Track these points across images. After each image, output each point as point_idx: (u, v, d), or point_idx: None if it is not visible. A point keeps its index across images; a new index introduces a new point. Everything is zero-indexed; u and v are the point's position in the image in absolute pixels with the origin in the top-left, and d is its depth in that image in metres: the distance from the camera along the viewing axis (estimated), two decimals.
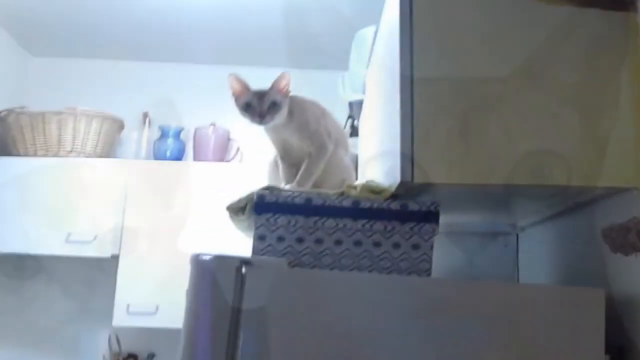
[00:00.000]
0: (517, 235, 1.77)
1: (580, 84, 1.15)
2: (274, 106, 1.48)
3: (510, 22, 1.19)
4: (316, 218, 1.19)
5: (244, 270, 1.06)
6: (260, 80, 1.55)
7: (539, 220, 1.57)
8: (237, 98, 1.53)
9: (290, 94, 1.53)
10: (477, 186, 1.15)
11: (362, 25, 2.11)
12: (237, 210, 1.30)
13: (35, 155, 3.25)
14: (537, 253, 1.62)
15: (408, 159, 1.12)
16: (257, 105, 1.48)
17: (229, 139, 3.55)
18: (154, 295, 3.05)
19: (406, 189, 1.17)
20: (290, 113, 1.54)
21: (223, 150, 3.52)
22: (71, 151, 3.27)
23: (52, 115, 3.24)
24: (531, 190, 1.18)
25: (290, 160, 1.58)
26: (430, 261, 1.19)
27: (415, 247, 1.19)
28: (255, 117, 1.48)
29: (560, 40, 1.17)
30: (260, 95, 1.49)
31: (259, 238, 1.20)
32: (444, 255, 1.49)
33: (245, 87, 1.52)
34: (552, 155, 1.12)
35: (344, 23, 3.14)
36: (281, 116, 1.51)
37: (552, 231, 1.51)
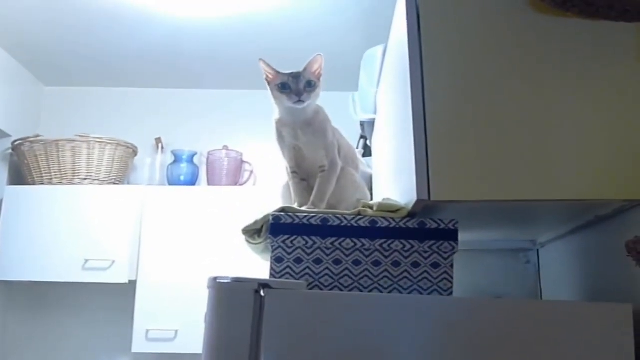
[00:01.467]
0: (537, 250, 1.74)
1: (597, 95, 1.14)
2: (310, 86, 1.50)
3: (521, 35, 1.18)
4: (333, 239, 1.18)
5: (262, 293, 1.05)
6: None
7: (560, 235, 1.54)
8: (270, 82, 1.53)
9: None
10: (495, 202, 1.13)
11: (369, 45, 2.10)
12: (252, 233, 1.29)
13: (50, 183, 3.27)
14: (559, 268, 1.60)
15: (424, 177, 1.11)
16: (294, 85, 1.48)
17: (242, 162, 3.55)
18: (173, 320, 3.05)
19: (423, 207, 1.15)
20: (316, 113, 1.54)
21: (237, 174, 3.52)
22: (85, 178, 3.28)
23: (65, 143, 3.26)
24: (550, 205, 1.16)
25: (301, 174, 1.56)
26: (451, 280, 1.17)
27: (435, 265, 1.18)
28: (292, 96, 1.48)
29: (576, 52, 1.16)
30: (295, 75, 1.50)
31: (276, 260, 1.19)
32: (464, 273, 1.47)
33: (276, 71, 1.53)
34: (572, 168, 1.10)
35: (351, 44, 3.16)
36: (316, 97, 1.52)
37: (574, 246, 1.49)
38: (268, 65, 1.53)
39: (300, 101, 1.48)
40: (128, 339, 3.09)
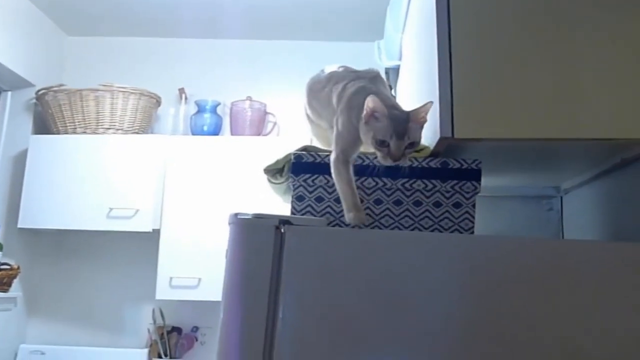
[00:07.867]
0: (561, 198, 1.73)
1: (626, 30, 1.11)
2: (411, 147, 1.14)
3: None
4: (355, 178, 1.17)
5: (283, 229, 1.05)
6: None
7: (584, 181, 1.52)
8: (368, 121, 1.15)
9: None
10: (519, 141, 1.12)
11: None
12: (274, 172, 1.29)
13: (74, 132, 3.29)
14: (583, 216, 1.58)
15: (448, 114, 1.09)
16: (395, 148, 1.12)
17: (265, 113, 3.54)
18: (196, 268, 3.09)
19: (446, 146, 1.14)
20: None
21: (260, 124, 3.51)
22: (109, 128, 3.29)
23: (89, 93, 3.27)
24: (575, 144, 1.15)
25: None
26: (472, 220, 1.16)
27: (457, 205, 1.17)
28: (388, 159, 1.13)
29: None
30: (399, 134, 1.11)
31: (298, 199, 1.19)
32: (486, 219, 1.46)
33: (382, 111, 1.13)
34: (598, 107, 1.08)
35: None
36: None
37: (598, 192, 1.47)
38: (377, 102, 1.13)
39: (395, 163, 1.14)
40: (152, 287, 3.13)
